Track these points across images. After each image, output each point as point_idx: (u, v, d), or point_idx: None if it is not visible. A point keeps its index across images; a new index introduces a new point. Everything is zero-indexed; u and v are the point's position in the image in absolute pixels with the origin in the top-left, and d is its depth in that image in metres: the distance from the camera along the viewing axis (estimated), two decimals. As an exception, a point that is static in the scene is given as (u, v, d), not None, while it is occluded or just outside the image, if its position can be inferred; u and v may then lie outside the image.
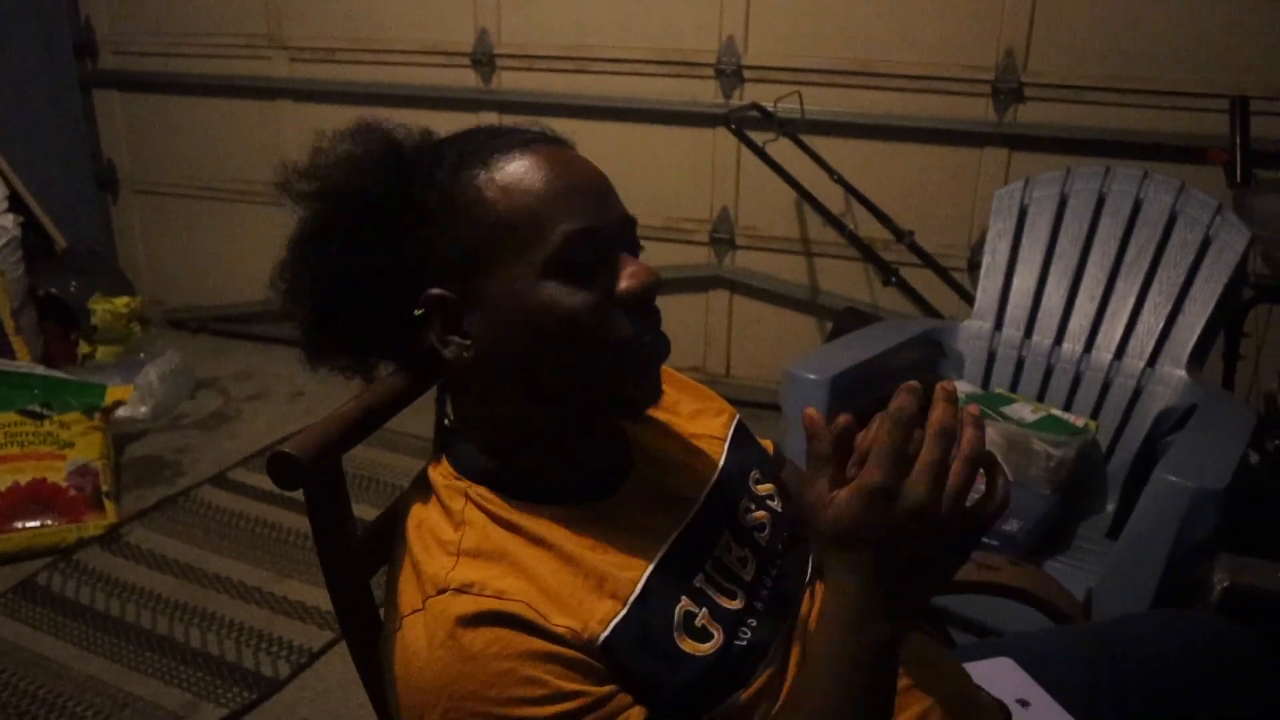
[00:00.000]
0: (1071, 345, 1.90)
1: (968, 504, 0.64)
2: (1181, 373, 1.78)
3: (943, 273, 2.55)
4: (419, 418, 0.93)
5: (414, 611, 0.69)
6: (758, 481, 0.90)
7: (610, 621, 0.69)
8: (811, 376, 1.72)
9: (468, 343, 0.74)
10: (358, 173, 0.76)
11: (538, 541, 0.72)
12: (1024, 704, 0.97)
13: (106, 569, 2.23)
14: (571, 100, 2.89)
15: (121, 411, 2.72)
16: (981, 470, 0.66)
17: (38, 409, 2.39)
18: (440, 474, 0.77)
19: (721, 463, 0.89)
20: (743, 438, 0.94)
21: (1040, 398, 1.91)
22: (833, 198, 2.62)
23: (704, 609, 0.75)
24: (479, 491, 0.75)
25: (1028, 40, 2.50)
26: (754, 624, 0.77)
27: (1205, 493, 1.38)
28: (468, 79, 3.04)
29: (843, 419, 0.68)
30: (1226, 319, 1.97)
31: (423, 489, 0.78)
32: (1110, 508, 1.79)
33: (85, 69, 3.51)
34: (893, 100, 2.66)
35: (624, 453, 0.83)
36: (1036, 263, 1.94)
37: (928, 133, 2.65)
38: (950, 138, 2.63)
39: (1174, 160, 2.30)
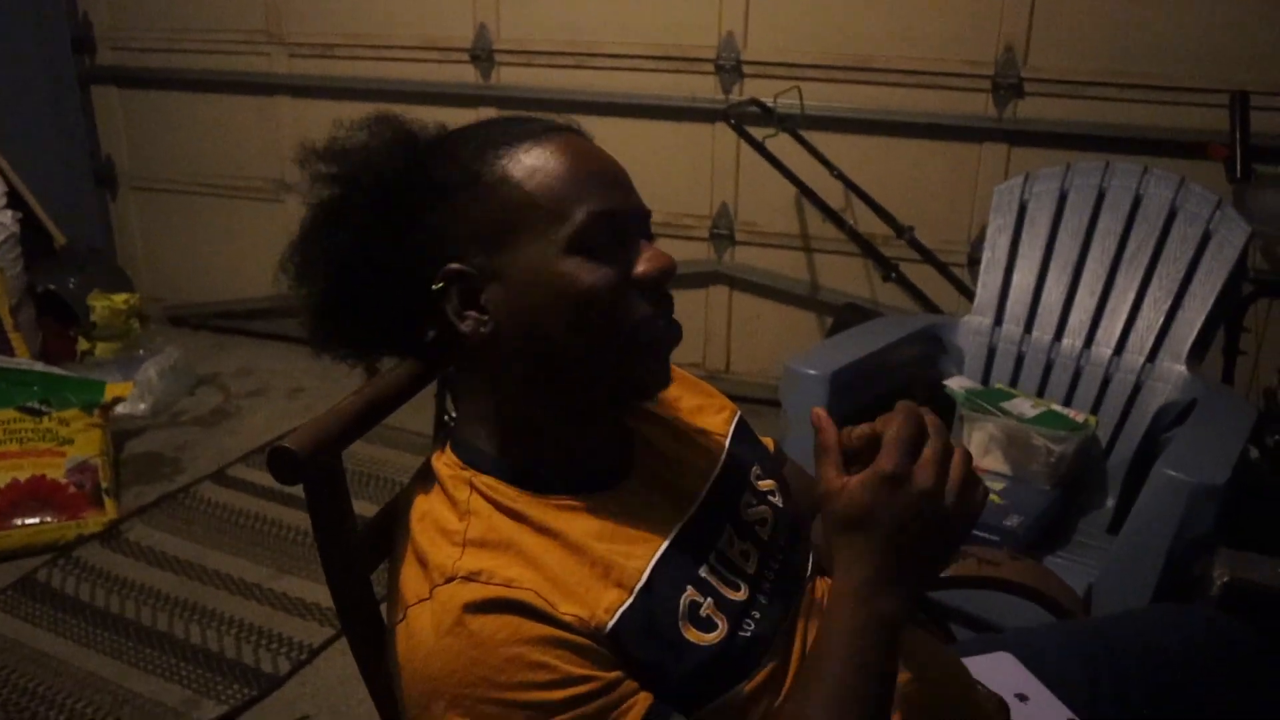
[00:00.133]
0: (1071, 340, 1.90)
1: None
2: (1181, 368, 1.78)
3: (943, 268, 2.55)
4: (419, 414, 0.93)
5: (420, 601, 0.69)
6: (759, 477, 0.91)
7: (617, 610, 0.70)
8: (812, 372, 1.72)
9: (485, 318, 0.75)
10: (377, 154, 0.78)
11: (544, 530, 0.72)
12: (1023, 699, 0.98)
13: (106, 566, 2.23)
14: (571, 96, 2.89)
15: (121, 408, 2.72)
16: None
17: (37, 406, 2.39)
18: (444, 464, 0.78)
19: (723, 458, 0.89)
20: (744, 434, 0.95)
21: (1040, 393, 1.91)
22: (832, 193, 2.62)
23: (709, 599, 0.75)
24: (484, 481, 0.75)
25: (1027, 35, 2.50)
26: (758, 615, 0.77)
27: (1205, 488, 1.38)
28: (467, 74, 3.04)
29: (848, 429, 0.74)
30: (1226, 314, 1.97)
31: (426, 479, 0.78)
32: (1110, 503, 1.79)
33: (83, 65, 3.50)
34: (892, 95, 2.65)
35: (627, 447, 0.84)
36: (1036, 258, 1.94)
37: (927, 128, 2.65)
38: (950, 133, 2.63)
39: (1174, 155, 2.30)
